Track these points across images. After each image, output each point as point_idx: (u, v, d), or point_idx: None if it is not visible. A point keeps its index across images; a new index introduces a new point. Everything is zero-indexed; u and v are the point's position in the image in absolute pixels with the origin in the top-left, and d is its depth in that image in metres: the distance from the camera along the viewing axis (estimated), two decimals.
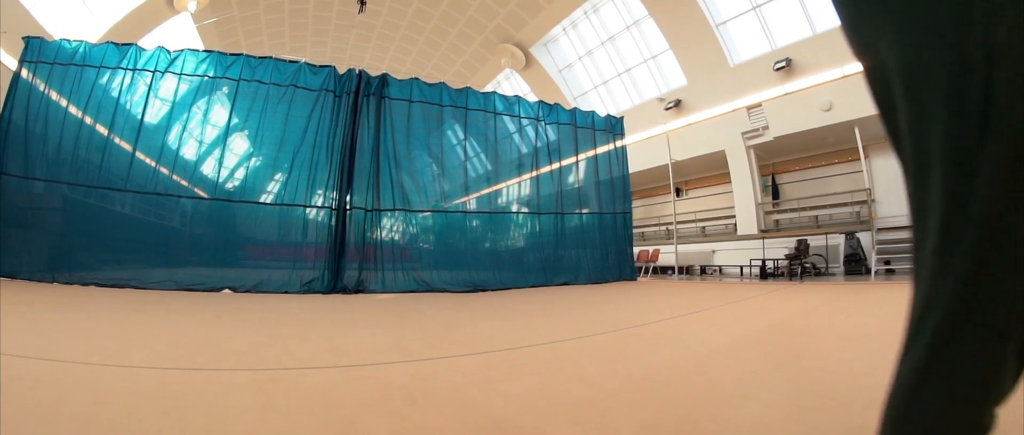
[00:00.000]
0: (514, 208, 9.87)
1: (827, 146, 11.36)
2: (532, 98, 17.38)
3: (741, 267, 10.92)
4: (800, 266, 9.74)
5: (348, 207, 8.10)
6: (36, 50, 7.82)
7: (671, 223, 14.05)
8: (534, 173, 9.93)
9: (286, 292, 6.95)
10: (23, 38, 7.94)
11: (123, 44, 8.07)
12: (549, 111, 10.15)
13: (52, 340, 2.56)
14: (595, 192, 10.65)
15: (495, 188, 9.70)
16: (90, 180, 7.39)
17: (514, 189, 9.90)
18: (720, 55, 11.57)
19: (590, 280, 9.50)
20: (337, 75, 8.40)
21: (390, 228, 8.39)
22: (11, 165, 7.30)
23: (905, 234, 9.18)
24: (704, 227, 14.04)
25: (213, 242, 7.74)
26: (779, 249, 10.59)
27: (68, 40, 8.05)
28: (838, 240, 10.37)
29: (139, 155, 7.68)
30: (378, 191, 8.34)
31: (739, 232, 12.04)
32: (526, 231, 9.87)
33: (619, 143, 10.89)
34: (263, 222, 8.08)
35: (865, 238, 9.99)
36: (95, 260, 7.02)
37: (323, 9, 15.96)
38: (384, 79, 8.66)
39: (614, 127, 10.90)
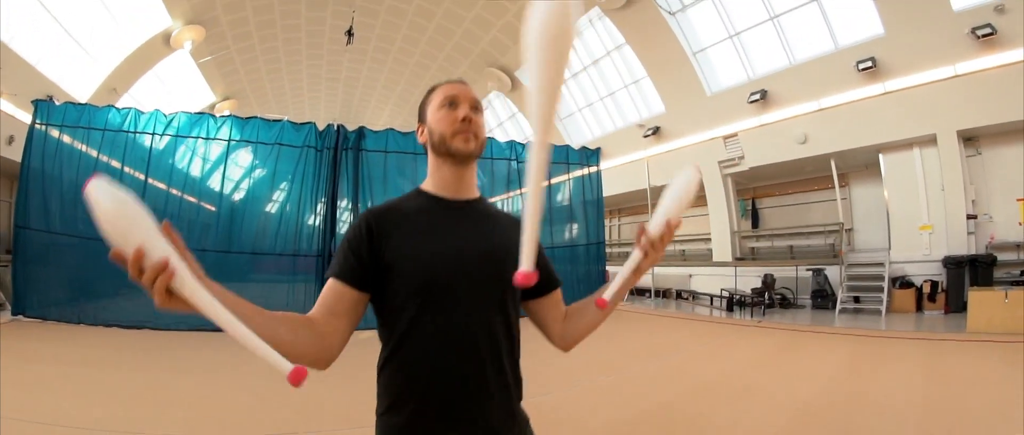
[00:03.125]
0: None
1: (805, 174, 11.95)
2: (517, 121, 18.29)
3: (711, 297, 11.45)
4: (766, 300, 10.34)
5: (332, 254, 9.05)
6: (45, 112, 8.93)
7: None
8: (507, 209, 10.73)
9: None
10: (32, 101, 9.13)
11: (123, 108, 9.15)
12: (522, 150, 10.94)
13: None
14: (568, 223, 11.48)
15: None
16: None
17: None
18: (697, 83, 12.23)
19: None
20: (317, 131, 9.50)
21: None
22: (33, 220, 8.60)
23: (876, 269, 9.89)
24: (684, 250, 14.72)
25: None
26: (754, 277, 11.18)
27: (74, 103, 9.42)
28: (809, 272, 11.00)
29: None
30: None
31: (714, 258, 12.72)
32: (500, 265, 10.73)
33: (592, 170, 11.62)
34: (261, 267, 9.39)
35: (833, 272, 10.56)
36: (114, 306, 8.27)
37: (316, 37, 17.22)
38: (361, 132, 9.78)
39: (589, 159, 11.67)
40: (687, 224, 12.14)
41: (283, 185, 9.63)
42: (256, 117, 9.77)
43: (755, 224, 13.05)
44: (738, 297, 10.52)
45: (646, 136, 13.30)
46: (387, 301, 1.10)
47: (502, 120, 20.05)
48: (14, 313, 8.27)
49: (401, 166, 9.96)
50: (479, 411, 1.08)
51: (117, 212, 0.75)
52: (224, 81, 18.42)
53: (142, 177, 8.84)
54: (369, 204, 9.50)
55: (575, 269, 11.15)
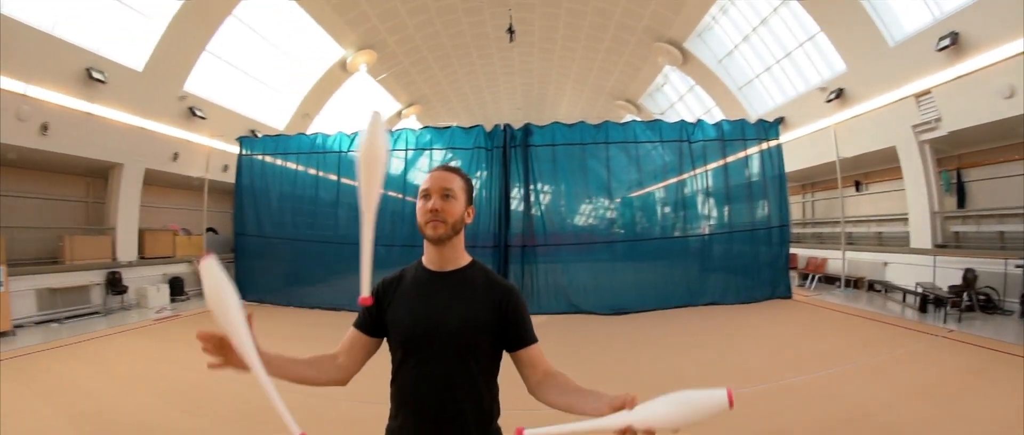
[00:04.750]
0: (657, 231, 11.24)
1: (1019, 137, 9.78)
2: (696, 93, 18.38)
3: (904, 292, 10.26)
4: (966, 302, 8.79)
5: (507, 244, 10.84)
6: (248, 145, 12.51)
7: (850, 222, 13.91)
8: (678, 193, 11.29)
9: None
10: (237, 138, 12.81)
11: (311, 133, 12.47)
12: (693, 129, 11.24)
13: None
14: (747, 205, 11.43)
15: (639, 213, 11.48)
16: (307, 235, 12.02)
17: (658, 210, 11.50)
18: (875, 33, 10.99)
19: (738, 299, 10.54)
20: (486, 132, 11.04)
21: (541, 259, 10.79)
22: (248, 227, 12.15)
23: None
24: (880, 233, 13.38)
25: None
26: (955, 269, 9.69)
27: (269, 135, 13.12)
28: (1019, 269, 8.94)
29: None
30: (531, 228, 10.88)
31: (912, 244, 11.36)
32: (671, 251, 11.09)
33: (771, 145, 11.35)
34: None
35: None
36: (317, 292, 11.35)
37: (481, 38, 18.89)
38: (527, 129, 11.02)
39: (767, 132, 11.44)
40: (883, 201, 12.81)
41: None
42: (428, 127, 11.89)
43: (961, 202, 11.01)
44: (933, 295, 9.22)
45: (829, 100, 12.55)
46: (390, 345, 1.65)
47: (682, 94, 20.15)
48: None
49: (569, 157, 11.00)
50: (433, 431, 1.54)
51: (212, 290, 1.27)
52: (405, 91, 21.40)
53: (334, 178, 11.81)
54: (540, 196, 10.96)
55: (756, 254, 11.10)
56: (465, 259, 1.69)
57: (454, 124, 11.77)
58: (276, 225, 12.00)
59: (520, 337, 1.60)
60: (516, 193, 11.08)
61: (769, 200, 11.31)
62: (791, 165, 12.37)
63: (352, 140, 11.76)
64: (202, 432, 4.46)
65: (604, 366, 6.11)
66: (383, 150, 1.45)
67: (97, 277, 11.03)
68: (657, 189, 11.57)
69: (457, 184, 1.62)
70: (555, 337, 7.60)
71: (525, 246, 10.86)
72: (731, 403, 1.10)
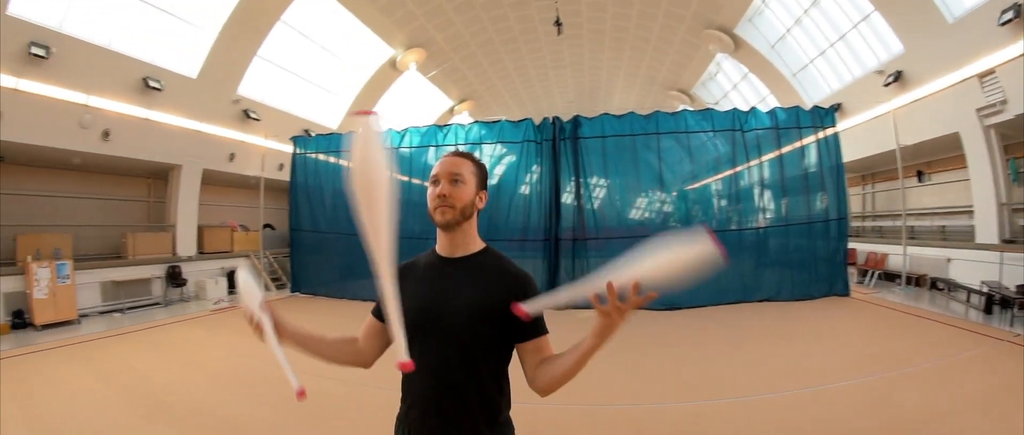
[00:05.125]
0: (712, 224, 10.87)
1: None
2: (750, 81, 18.14)
3: (968, 292, 9.58)
4: None
5: (558, 238, 11.00)
6: (302, 144, 13.26)
7: (912, 215, 13.42)
8: (733, 185, 11.15)
9: None
10: (291, 138, 13.54)
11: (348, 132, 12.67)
12: (746, 118, 11.02)
13: None
14: (803, 197, 11.11)
15: (692, 206, 11.34)
16: (359, 229, 12.40)
17: (712, 203, 11.33)
18: (933, 9, 10.49)
19: (794, 296, 10.39)
20: (535, 126, 11.17)
21: (593, 253, 10.83)
22: (303, 223, 12.87)
23: None
24: (943, 227, 12.75)
25: None
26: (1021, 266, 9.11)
27: (322, 134, 13.89)
28: None
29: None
30: (582, 221, 10.95)
31: (977, 239, 10.70)
32: (725, 245, 10.68)
33: (828, 133, 10.96)
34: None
35: None
36: (370, 284, 11.65)
37: (529, 33, 19.07)
38: (576, 121, 11.09)
39: (823, 120, 11.10)
40: (948, 192, 12.28)
41: (510, 176, 11.62)
42: (477, 122, 12.07)
43: None
44: (999, 295, 8.65)
45: (887, 84, 12.12)
46: None
47: (735, 82, 19.94)
48: (292, 291, 12.89)
49: (619, 149, 10.99)
50: (442, 423, 1.54)
51: (243, 287, 1.65)
52: (456, 87, 21.96)
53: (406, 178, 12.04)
54: (591, 189, 11.00)
55: (813, 249, 10.80)
56: (477, 245, 1.67)
57: (503, 118, 11.97)
58: (329, 220, 12.56)
59: (532, 326, 1.55)
60: (566, 186, 11.18)
61: (827, 192, 10.94)
62: (849, 154, 12.04)
63: (401, 136, 12.18)
64: (249, 414, 4.90)
65: (652, 363, 6.11)
66: (379, 164, 1.21)
67: (158, 271, 11.98)
68: (710, 180, 11.49)
69: (467, 169, 1.61)
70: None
71: (576, 240, 10.96)
72: (719, 248, 1.07)
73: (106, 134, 10.87)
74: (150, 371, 6.20)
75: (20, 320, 9.26)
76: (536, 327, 1.56)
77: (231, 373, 6.18)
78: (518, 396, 1.69)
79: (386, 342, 1.69)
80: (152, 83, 11.24)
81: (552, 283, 10.55)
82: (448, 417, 1.54)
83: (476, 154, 10.11)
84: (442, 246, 1.66)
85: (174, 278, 12.17)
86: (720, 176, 11.29)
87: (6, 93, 9.07)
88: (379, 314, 1.71)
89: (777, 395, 4.75)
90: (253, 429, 4.52)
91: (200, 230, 13.72)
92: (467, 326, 1.52)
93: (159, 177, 13.53)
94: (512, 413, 1.67)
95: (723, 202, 11.29)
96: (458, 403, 1.53)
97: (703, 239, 1.09)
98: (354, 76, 17.72)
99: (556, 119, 11.20)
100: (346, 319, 9.41)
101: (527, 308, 1.31)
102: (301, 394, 1.46)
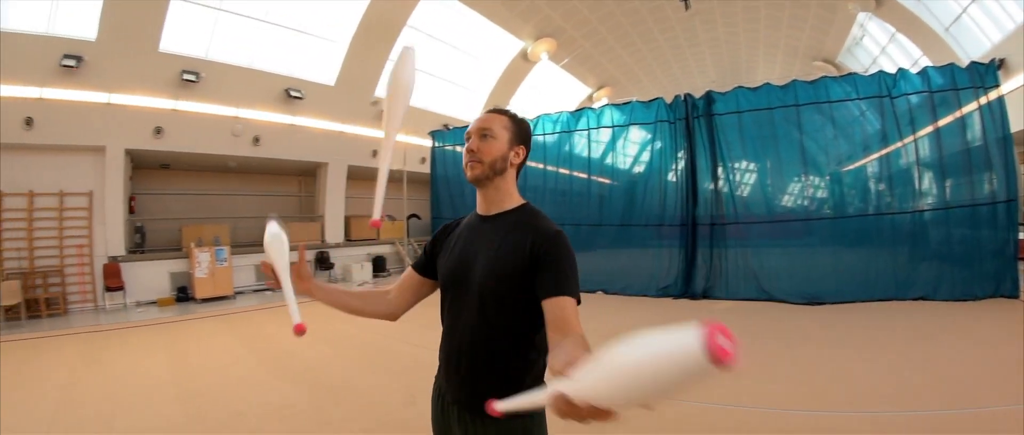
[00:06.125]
0: (861, 207, 9.79)
1: None
2: (899, 42, 16.58)
3: None
4: None
5: (696, 223, 10.56)
6: (440, 137, 14.20)
7: None
8: (885, 160, 9.67)
9: (644, 296, 10.29)
10: (429, 132, 14.81)
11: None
12: (893, 81, 9.40)
13: None
14: (965, 175, 9.26)
15: (840, 187, 10.10)
16: None
17: (858, 184, 9.98)
18: None
19: (953, 295, 8.69)
20: (666, 105, 10.94)
21: (732, 241, 10.26)
22: (443, 211, 13.87)
23: None
24: None
25: (587, 259, 11.27)
26: None
27: (458, 127, 14.82)
28: None
29: None
30: (720, 205, 10.43)
31: None
32: (873, 232, 9.56)
33: (990, 97, 8.93)
34: (630, 239, 11.50)
35: None
36: None
37: (658, 12, 18.62)
38: (709, 97, 10.56)
39: (983, 78, 9.02)
40: None
41: (644, 158, 11.49)
42: (607, 105, 12.08)
43: None
44: None
45: None
46: None
47: (883, 45, 17.92)
48: None
49: (757, 124, 10.12)
50: (458, 384, 1.55)
51: (270, 240, 1.63)
52: (592, 74, 22.06)
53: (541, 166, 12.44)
54: (729, 169, 10.39)
55: (977, 239, 8.98)
56: (513, 202, 1.61)
57: (634, 99, 11.88)
58: (469, 209, 13.03)
59: (548, 284, 1.39)
60: (703, 168, 10.60)
61: (992, 168, 8.91)
62: (1017, 123, 9.85)
63: (534, 124, 12.41)
64: (359, 378, 5.60)
65: (782, 361, 5.65)
66: (409, 82, 1.49)
67: (308, 256, 13.24)
68: (858, 156, 10.04)
69: (498, 124, 1.58)
70: (740, 325, 7.07)
71: (714, 225, 10.37)
72: (717, 358, 0.64)
73: (256, 140, 12.79)
74: (289, 341, 7.11)
75: (183, 294, 11.57)
76: (555, 285, 1.39)
77: (360, 347, 7.01)
78: None
79: (418, 297, 1.77)
80: (293, 93, 13.02)
81: (688, 274, 10.26)
82: (464, 377, 1.53)
83: (608, 135, 9.67)
84: (479, 204, 1.65)
85: (322, 262, 13.99)
86: (867, 151, 9.91)
87: (166, 113, 11.37)
88: (417, 264, 1.76)
89: (918, 414, 4.04)
90: (357, 388, 5.23)
91: (347, 220, 15.29)
92: (486, 285, 1.48)
93: (308, 174, 15.44)
94: None
95: (875, 183, 9.76)
96: (475, 364, 1.50)
97: (697, 343, 0.65)
98: (487, 70, 18.59)
99: (688, 96, 10.75)
100: None
101: (500, 406, 1.05)
102: (298, 328, 1.52)
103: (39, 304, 9.77)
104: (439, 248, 1.71)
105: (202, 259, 11.45)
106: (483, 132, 1.56)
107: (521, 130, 1.62)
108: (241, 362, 6.31)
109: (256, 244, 13.31)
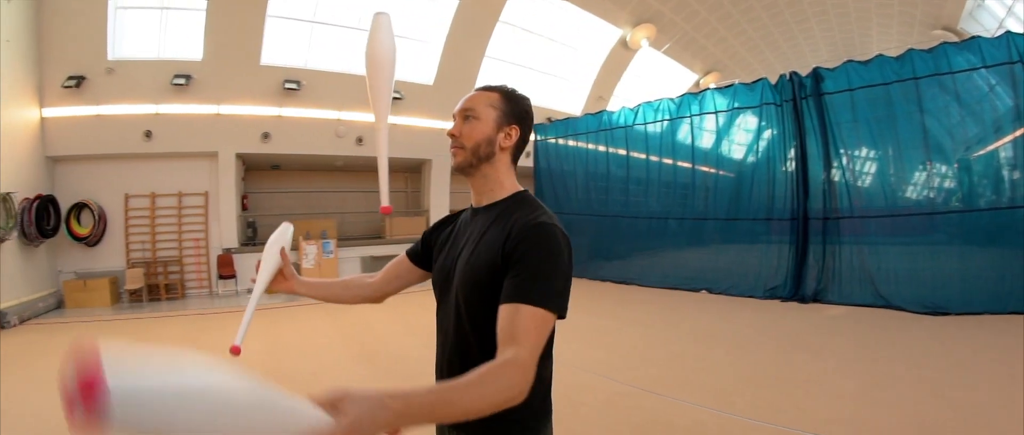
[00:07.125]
0: (995, 199, 8.17)
1: None
2: None
3: None
4: None
5: (807, 217, 9.57)
6: (542, 130, 14.41)
7: None
8: (1016, 141, 7.94)
9: (751, 296, 9.62)
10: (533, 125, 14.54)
11: (597, 112, 13.79)
12: None
13: None
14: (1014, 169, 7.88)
15: (974, 176, 8.52)
16: (600, 210, 13.36)
17: (990, 171, 8.32)
18: None
19: None
20: (771, 85, 10.13)
21: (847, 237, 9.19)
22: (548, 203, 13.17)
23: None
24: None
25: (691, 255, 11.50)
26: None
27: (560, 119, 14.82)
28: None
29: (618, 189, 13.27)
30: (834, 196, 9.38)
31: None
32: (1008, 228, 7.80)
33: None
34: (737, 234, 10.87)
35: None
36: (609, 266, 12.65)
37: None
38: (816, 74, 9.47)
39: None
40: None
41: (750, 144, 10.68)
42: (709, 89, 11.49)
43: None
44: None
45: None
46: None
47: (1009, 3, 15.23)
48: None
49: (871, 102, 8.98)
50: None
51: (267, 246, 1.64)
52: (696, 59, 21.47)
53: (623, 152, 12.66)
54: (842, 155, 9.28)
55: None
56: (507, 191, 1.44)
57: (736, 81, 11.38)
58: (576, 201, 13.68)
59: (508, 287, 1.19)
60: (813, 154, 9.54)
61: None
62: None
63: (635, 113, 12.27)
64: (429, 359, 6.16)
65: (885, 380, 4.84)
66: (388, 53, 1.35)
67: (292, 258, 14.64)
68: (992, 138, 8.26)
69: (483, 102, 1.41)
70: (849, 334, 6.78)
71: (827, 220, 9.31)
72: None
73: (359, 140, 13.66)
74: (379, 327, 8.11)
75: None
76: (509, 288, 1.19)
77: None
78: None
79: (404, 280, 1.71)
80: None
81: (798, 274, 9.32)
82: (443, 376, 1.41)
83: (712, 122, 10.50)
84: (472, 195, 1.50)
85: None
86: (1001, 132, 8.15)
87: (271, 120, 12.65)
88: (411, 251, 1.70)
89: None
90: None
91: (451, 212, 15.49)
92: (460, 294, 1.34)
93: (413, 170, 16.37)
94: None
95: (1016, 174, 7.90)
96: (458, 370, 1.17)
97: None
98: (587, 61, 18.53)
99: (793, 75, 9.76)
100: (590, 300, 9.98)
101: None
102: (234, 349, 1.56)
103: (159, 289, 11.58)
104: (432, 242, 1.62)
105: (309, 251, 12.58)
106: (466, 113, 1.41)
107: (514, 107, 1.44)
108: (331, 347, 7.07)
109: (363, 237, 14.79)
